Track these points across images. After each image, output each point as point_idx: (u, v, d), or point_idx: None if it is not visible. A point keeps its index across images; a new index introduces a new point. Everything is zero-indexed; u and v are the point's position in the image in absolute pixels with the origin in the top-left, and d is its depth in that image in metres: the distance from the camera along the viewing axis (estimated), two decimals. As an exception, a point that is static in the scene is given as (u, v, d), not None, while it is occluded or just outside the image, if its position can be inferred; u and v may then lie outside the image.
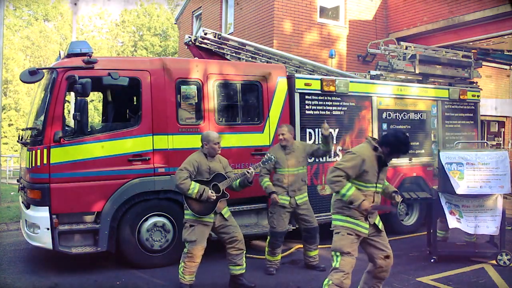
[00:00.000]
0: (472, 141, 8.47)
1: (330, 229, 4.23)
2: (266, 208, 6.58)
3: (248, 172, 4.90)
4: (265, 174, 5.71)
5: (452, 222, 6.07)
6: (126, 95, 6.86)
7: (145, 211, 5.82)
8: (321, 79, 7.06)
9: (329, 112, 7.10)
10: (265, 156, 5.25)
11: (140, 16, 39.12)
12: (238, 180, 4.97)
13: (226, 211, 5.03)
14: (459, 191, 5.98)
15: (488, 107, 13.99)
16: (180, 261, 4.94)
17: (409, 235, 7.76)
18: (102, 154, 5.63)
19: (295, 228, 6.37)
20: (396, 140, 4.03)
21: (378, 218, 4.23)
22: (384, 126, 7.72)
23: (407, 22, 13.04)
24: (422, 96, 8.19)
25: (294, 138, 6.08)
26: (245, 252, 5.09)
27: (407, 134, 4.22)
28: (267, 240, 5.78)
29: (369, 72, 8.71)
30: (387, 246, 4.23)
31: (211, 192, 4.78)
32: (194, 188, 4.73)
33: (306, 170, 5.89)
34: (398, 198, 4.29)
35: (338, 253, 4.01)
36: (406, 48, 9.02)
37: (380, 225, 4.21)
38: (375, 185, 4.09)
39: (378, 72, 8.62)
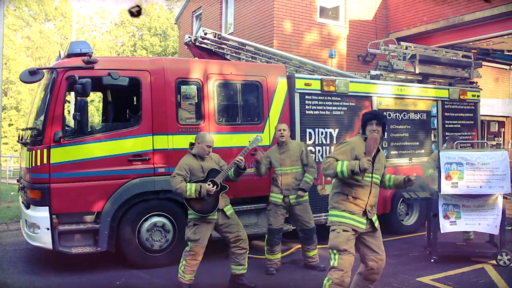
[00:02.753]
0: (472, 141, 8.47)
1: (326, 225, 4.16)
2: (266, 208, 6.59)
3: (238, 161, 4.89)
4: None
5: (446, 226, 6.06)
6: (126, 95, 6.86)
7: (145, 211, 5.82)
8: (321, 79, 7.06)
9: (329, 112, 7.10)
10: (251, 139, 5.18)
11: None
12: (231, 170, 4.95)
13: (228, 209, 5.02)
14: (443, 191, 6.01)
15: (488, 107, 14.00)
16: (181, 259, 4.94)
17: (409, 235, 7.76)
18: (102, 154, 5.63)
19: (294, 228, 6.37)
20: (363, 115, 4.24)
21: (376, 217, 4.13)
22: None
23: (407, 22, 13.04)
24: (422, 96, 8.20)
25: (294, 138, 6.08)
26: (248, 251, 5.09)
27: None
28: (266, 238, 5.80)
29: (369, 72, 8.71)
30: (381, 248, 4.11)
31: (209, 185, 4.77)
32: (190, 188, 4.73)
33: (302, 170, 5.84)
34: (412, 178, 4.11)
35: (335, 251, 3.93)
36: (406, 48, 9.02)
37: (377, 224, 4.11)
38: (370, 175, 3.99)
39: (378, 72, 8.63)
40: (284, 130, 5.74)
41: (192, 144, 5.02)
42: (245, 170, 5.03)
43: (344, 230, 3.94)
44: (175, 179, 4.79)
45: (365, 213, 4.00)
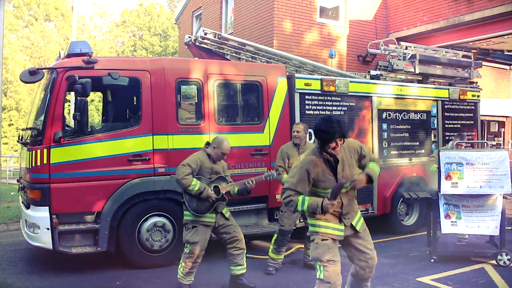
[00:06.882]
0: (472, 141, 8.47)
1: (307, 234, 4.00)
2: (266, 208, 6.60)
3: (249, 183, 4.91)
4: (283, 172, 5.62)
5: (446, 227, 6.08)
6: (126, 95, 6.85)
7: (145, 211, 5.82)
8: (321, 79, 7.06)
9: (329, 112, 7.10)
10: (268, 171, 5.27)
11: (140, 15, 39.14)
12: (237, 188, 4.96)
13: (226, 211, 5.04)
14: (443, 191, 6.02)
15: (488, 107, 13.99)
16: (180, 261, 4.93)
17: (409, 235, 7.76)
18: (102, 154, 5.63)
19: (295, 228, 6.37)
20: (315, 127, 3.72)
21: (357, 219, 3.87)
22: (384, 126, 7.73)
23: (407, 22, 13.04)
24: (422, 96, 8.20)
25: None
26: (245, 251, 5.09)
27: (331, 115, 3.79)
28: (274, 238, 5.75)
29: (369, 72, 8.71)
30: (369, 246, 3.88)
31: (211, 191, 4.79)
32: (196, 185, 4.72)
33: None
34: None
35: (318, 263, 3.71)
36: (406, 48, 9.02)
37: (359, 226, 3.85)
38: None
39: (378, 72, 8.62)
40: (298, 131, 5.69)
41: (208, 144, 5.01)
42: (249, 194, 5.05)
43: (322, 240, 3.75)
44: (184, 168, 4.74)
45: (341, 220, 3.78)
